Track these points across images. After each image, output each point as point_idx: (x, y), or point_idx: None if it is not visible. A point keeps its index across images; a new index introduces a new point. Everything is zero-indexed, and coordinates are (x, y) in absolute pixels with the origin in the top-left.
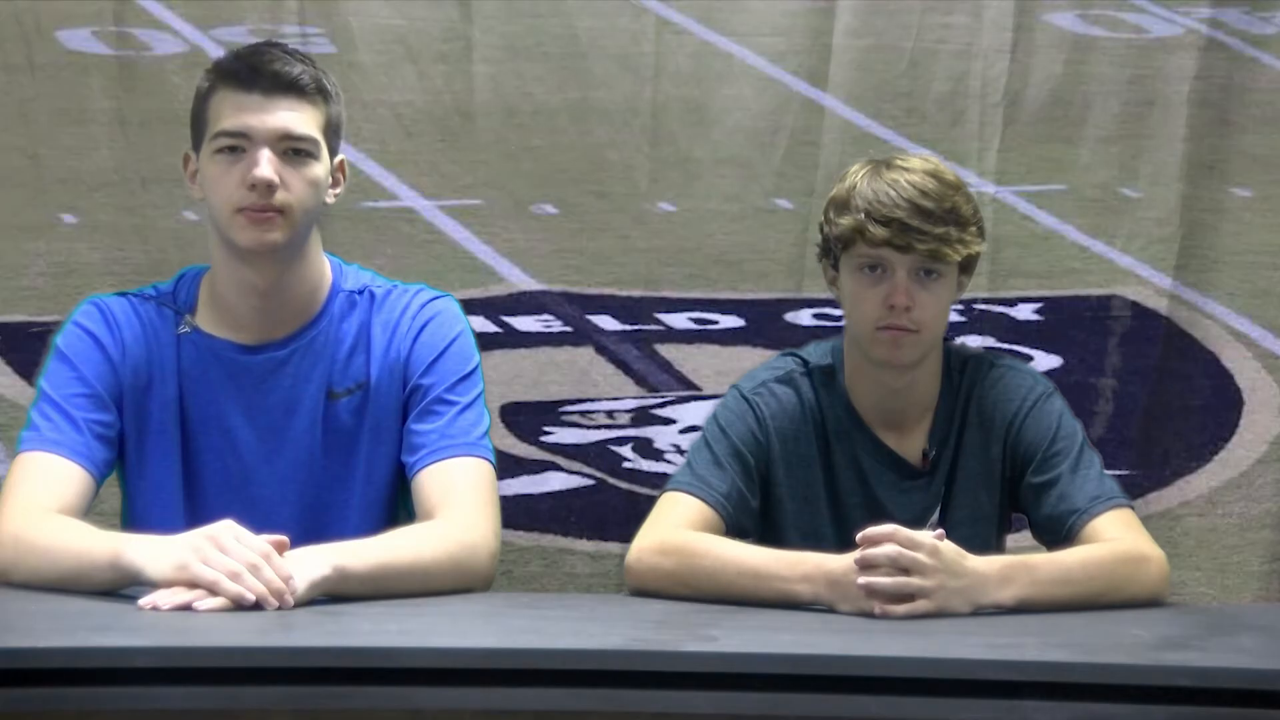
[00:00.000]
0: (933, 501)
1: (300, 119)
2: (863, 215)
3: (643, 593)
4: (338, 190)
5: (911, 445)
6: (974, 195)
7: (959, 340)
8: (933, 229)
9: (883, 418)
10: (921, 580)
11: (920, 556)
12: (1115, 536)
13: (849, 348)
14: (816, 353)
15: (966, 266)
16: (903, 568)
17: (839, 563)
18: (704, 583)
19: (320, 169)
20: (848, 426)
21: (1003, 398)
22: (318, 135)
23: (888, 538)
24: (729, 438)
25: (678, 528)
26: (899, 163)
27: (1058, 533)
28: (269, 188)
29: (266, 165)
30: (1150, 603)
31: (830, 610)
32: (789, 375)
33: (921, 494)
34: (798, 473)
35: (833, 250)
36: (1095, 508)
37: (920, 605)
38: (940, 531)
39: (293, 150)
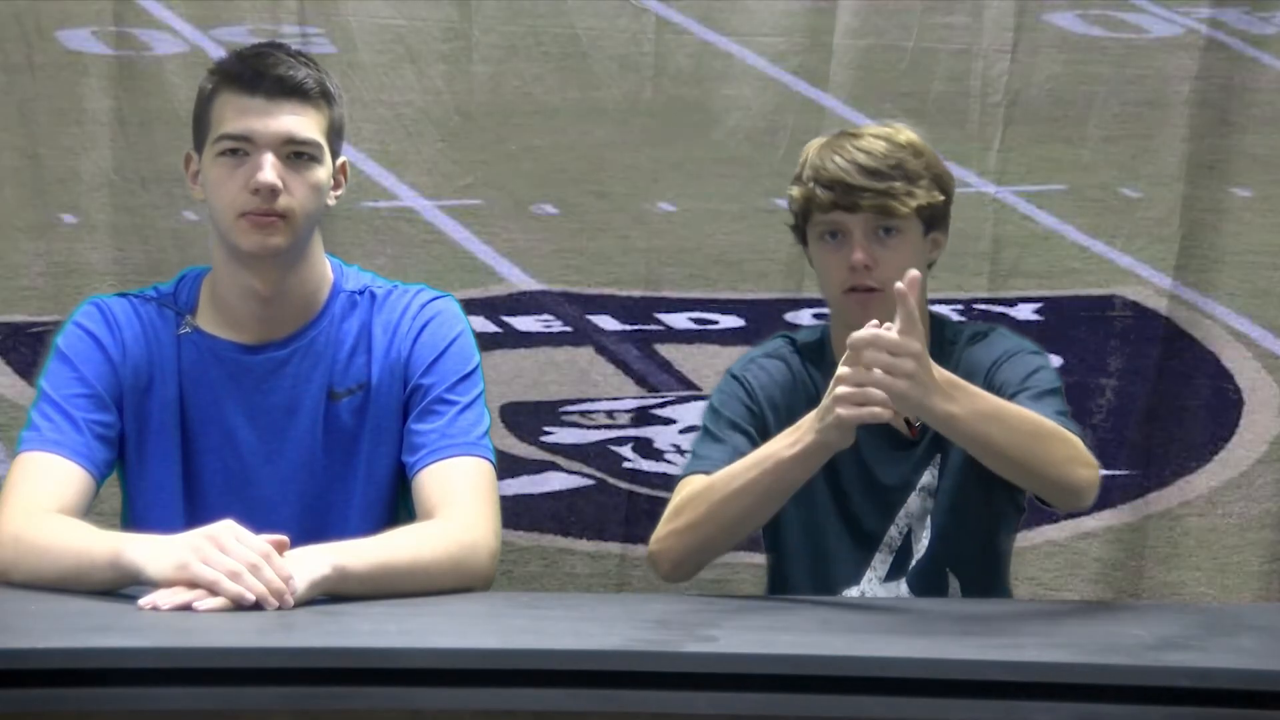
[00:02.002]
0: (924, 467)
1: (303, 123)
2: (811, 184)
3: (676, 574)
4: (339, 192)
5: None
6: (935, 155)
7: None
8: (876, 184)
9: None
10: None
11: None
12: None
13: (834, 321)
14: (806, 333)
15: (932, 221)
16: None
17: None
18: (720, 512)
19: (323, 172)
20: None
21: (987, 355)
22: (320, 139)
23: (869, 343)
24: (723, 415)
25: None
26: (851, 131)
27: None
28: (272, 192)
29: (270, 170)
30: (1058, 485)
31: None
32: (777, 351)
33: (913, 461)
34: None
35: (799, 227)
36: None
37: (899, 384)
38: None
39: (295, 154)
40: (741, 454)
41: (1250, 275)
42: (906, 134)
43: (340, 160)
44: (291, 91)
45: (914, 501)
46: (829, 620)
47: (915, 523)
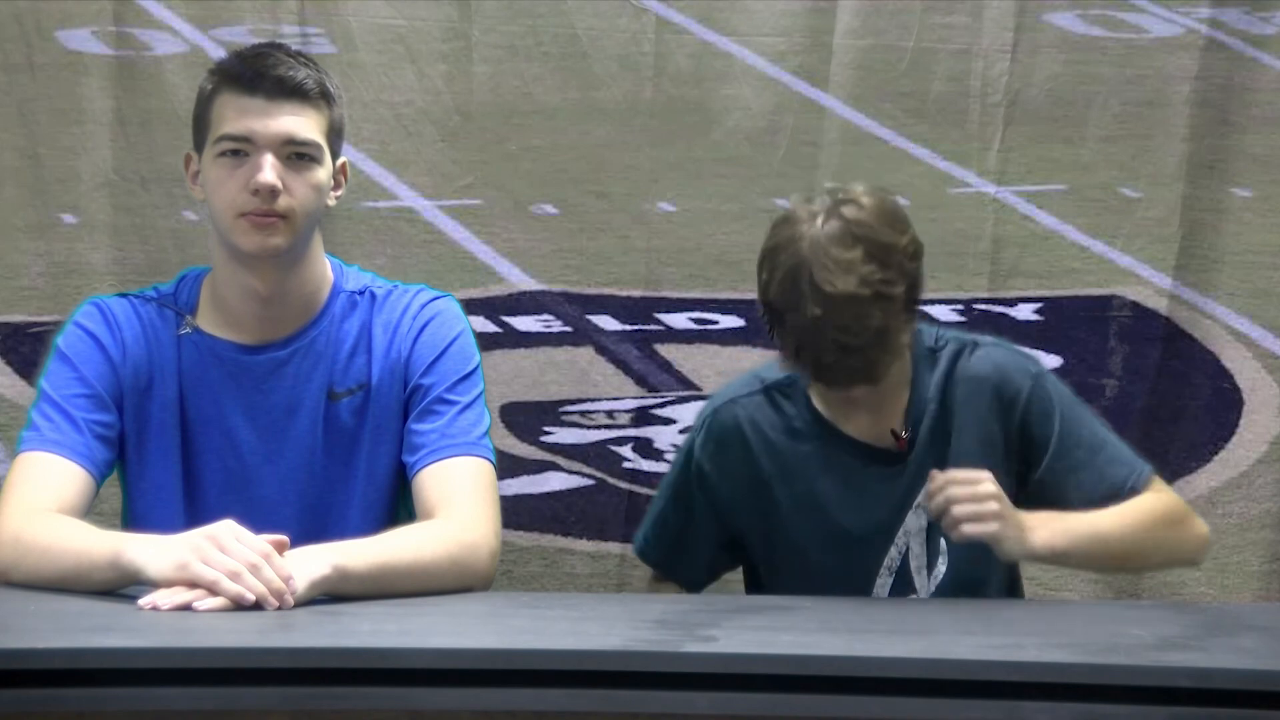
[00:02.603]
0: (919, 480)
1: (303, 123)
2: (786, 347)
3: None
4: (339, 192)
5: (877, 431)
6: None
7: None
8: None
9: (842, 413)
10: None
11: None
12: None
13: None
14: (774, 369)
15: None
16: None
17: None
18: None
19: (323, 173)
20: (817, 431)
21: (994, 377)
22: (320, 140)
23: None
24: (681, 492)
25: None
26: (818, 256)
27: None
28: (272, 193)
29: (270, 170)
30: (1186, 563)
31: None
32: (723, 409)
33: (907, 475)
34: (761, 495)
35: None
36: (1134, 481)
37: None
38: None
39: (296, 155)
40: (707, 559)
41: (1250, 275)
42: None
43: (340, 160)
44: (292, 92)
45: (911, 519)
46: (829, 620)
47: (913, 539)
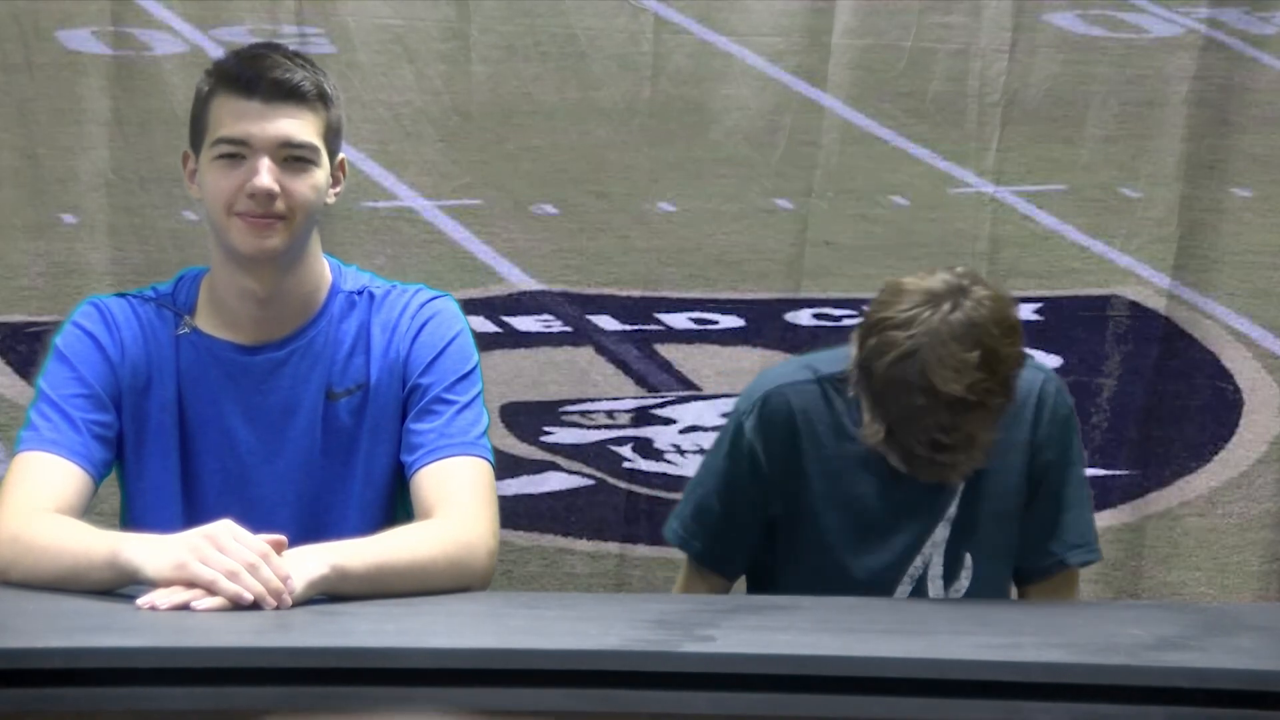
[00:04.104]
0: (949, 493)
1: (300, 126)
2: (886, 431)
3: None
4: (338, 190)
5: None
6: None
7: None
8: (940, 457)
9: None
10: None
11: None
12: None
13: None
14: (829, 361)
15: None
16: None
17: None
18: None
19: (320, 175)
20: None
21: (1032, 394)
22: (318, 142)
23: None
24: (726, 476)
25: (684, 581)
26: (949, 371)
27: (1032, 567)
28: (269, 197)
29: (266, 174)
30: None
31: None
32: (777, 391)
33: (938, 488)
34: (796, 485)
35: (856, 388)
36: (1071, 558)
37: None
38: None
39: (293, 158)
40: (745, 544)
41: (1250, 275)
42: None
43: (339, 158)
44: (288, 95)
45: (939, 530)
46: (828, 620)
47: (935, 551)
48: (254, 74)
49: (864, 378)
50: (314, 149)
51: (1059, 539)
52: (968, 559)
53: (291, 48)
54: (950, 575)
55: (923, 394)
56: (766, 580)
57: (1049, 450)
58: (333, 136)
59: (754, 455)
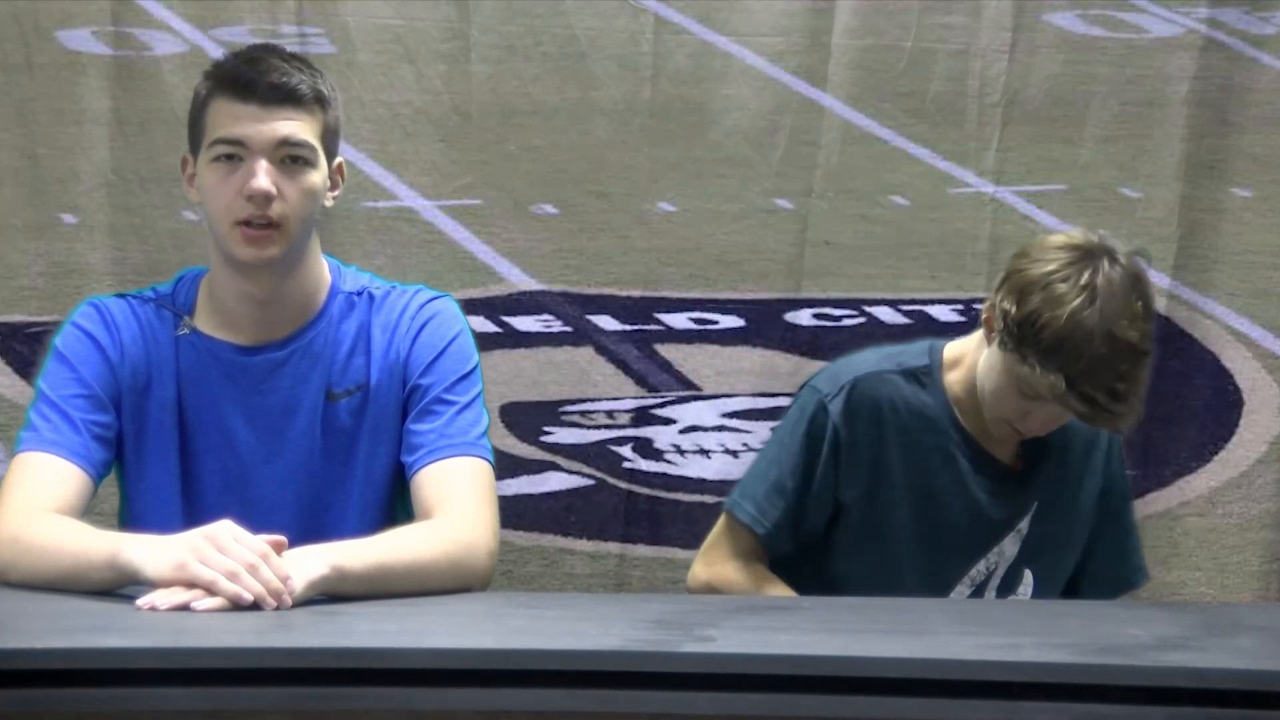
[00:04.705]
0: (1027, 509)
1: (298, 127)
2: (1065, 382)
3: None
4: (336, 193)
5: (1005, 448)
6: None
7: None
8: (1116, 408)
9: (981, 424)
10: None
11: None
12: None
13: (970, 370)
14: (913, 355)
15: None
16: None
17: None
18: None
19: (318, 176)
20: (946, 426)
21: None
22: (315, 143)
23: None
24: (804, 455)
25: (729, 563)
26: (1109, 310)
27: (1110, 588)
28: (266, 199)
29: (264, 176)
30: None
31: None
32: (867, 378)
33: (1019, 499)
34: (878, 474)
35: (1008, 343)
36: (1137, 579)
37: None
38: None
39: (290, 158)
40: (794, 517)
41: (1250, 275)
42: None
43: (337, 160)
44: (285, 97)
45: (1008, 542)
46: (828, 620)
47: (1002, 563)
48: (251, 76)
49: (1029, 333)
50: (311, 149)
51: (1128, 563)
52: (1028, 576)
53: (291, 48)
54: (1007, 589)
55: (1105, 342)
56: (811, 565)
57: (1119, 479)
58: (330, 138)
59: (837, 438)
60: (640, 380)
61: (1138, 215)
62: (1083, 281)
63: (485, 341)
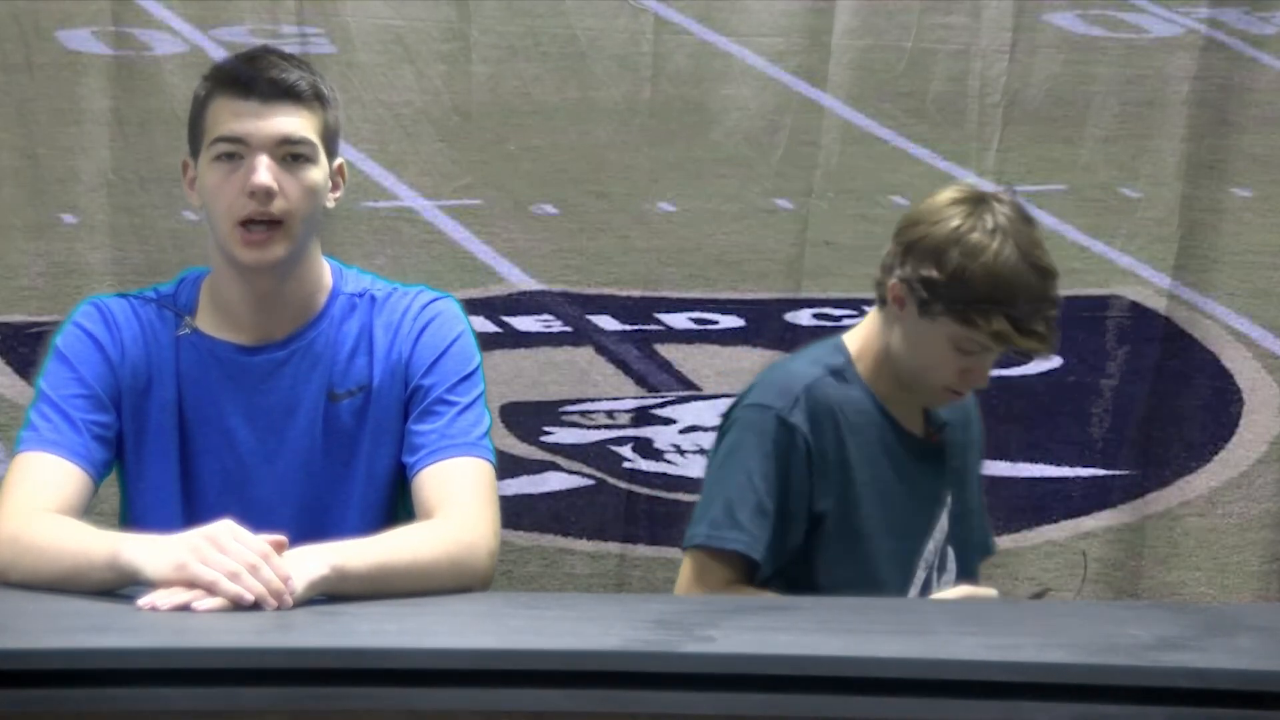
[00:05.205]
0: (946, 477)
1: (298, 124)
2: (1010, 323)
3: None
4: (337, 194)
5: (917, 425)
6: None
7: None
8: (1053, 335)
9: (899, 405)
10: None
11: None
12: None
13: (879, 352)
14: (828, 354)
15: None
16: None
17: None
18: None
19: (319, 173)
20: (876, 415)
21: (971, 407)
22: (315, 139)
23: None
24: (778, 473)
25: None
26: (1022, 245)
27: (979, 554)
28: (268, 195)
29: (265, 171)
30: None
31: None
32: (815, 384)
33: (941, 473)
34: (845, 476)
35: (936, 306)
36: (992, 548)
37: None
38: None
39: (291, 155)
40: (779, 536)
41: (1250, 275)
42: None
43: (338, 161)
44: (285, 93)
45: (944, 517)
46: (828, 620)
47: (942, 540)
48: (251, 74)
49: (960, 289)
50: (311, 145)
51: (988, 531)
52: (950, 555)
53: (291, 48)
54: (942, 570)
55: (1032, 272)
56: (786, 580)
57: (981, 450)
58: (330, 137)
59: (808, 449)
60: (640, 380)
61: (1138, 215)
62: (989, 226)
63: (485, 341)
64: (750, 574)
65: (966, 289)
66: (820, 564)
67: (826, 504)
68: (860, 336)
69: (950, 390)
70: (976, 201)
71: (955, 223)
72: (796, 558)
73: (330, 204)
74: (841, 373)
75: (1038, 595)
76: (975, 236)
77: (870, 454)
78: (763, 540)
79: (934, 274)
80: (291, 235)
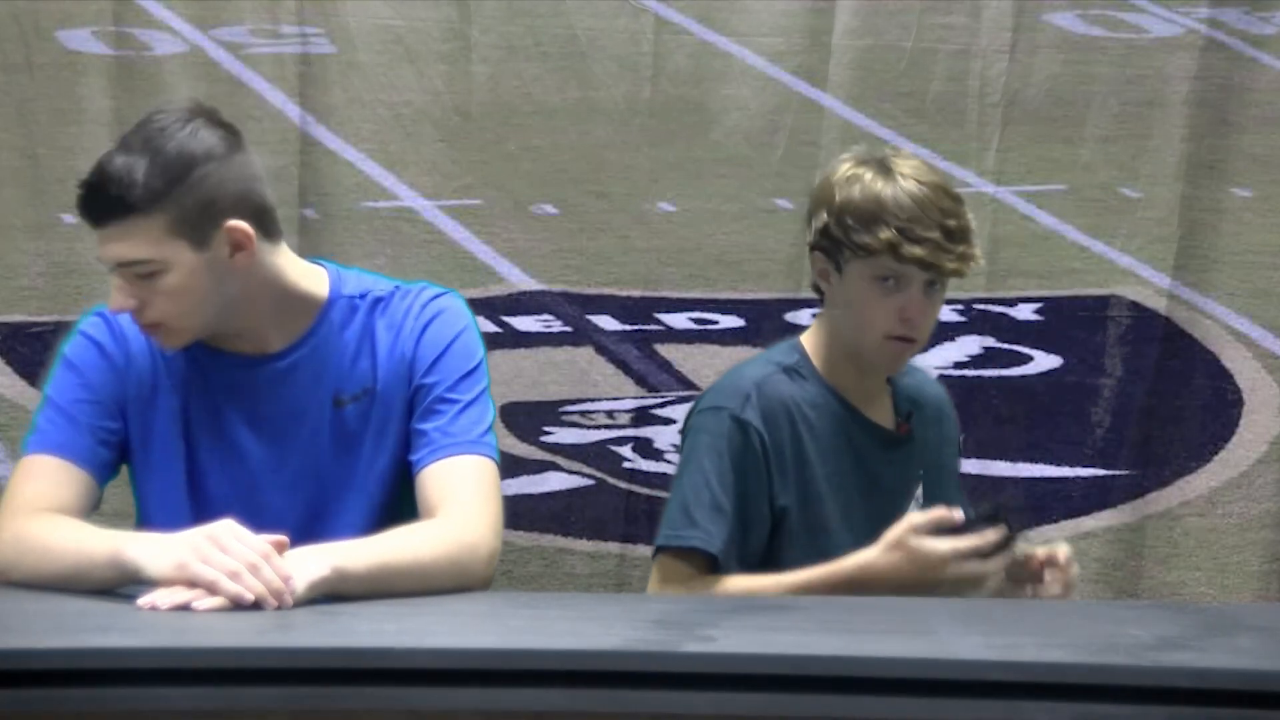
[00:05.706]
0: (916, 470)
1: (127, 247)
2: (897, 233)
3: None
4: (244, 253)
5: (885, 417)
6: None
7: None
8: (957, 248)
9: (861, 396)
10: None
11: None
12: None
13: (830, 340)
14: (783, 354)
15: None
16: None
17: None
18: None
19: (174, 278)
20: (836, 408)
21: (945, 405)
22: (152, 252)
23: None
24: (734, 472)
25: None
26: (905, 171)
27: None
28: (131, 315)
29: (117, 295)
30: None
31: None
32: (765, 381)
33: (910, 463)
34: (804, 471)
35: (842, 252)
36: None
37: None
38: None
39: (137, 275)
40: (738, 531)
41: (1250, 275)
42: (940, 174)
43: (225, 225)
44: (108, 215)
45: (912, 509)
46: (828, 620)
47: None
48: (82, 202)
49: (849, 219)
50: (146, 263)
51: None
52: None
53: (291, 48)
54: None
55: (916, 185)
56: (754, 572)
57: (957, 446)
58: (187, 224)
59: (764, 445)
60: (640, 380)
61: (1138, 215)
62: (863, 160)
63: (486, 341)
64: (711, 571)
65: (854, 214)
66: (785, 559)
67: (787, 499)
68: (813, 334)
69: (894, 338)
70: (869, 154)
71: (843, 168)
72: (764, 558)
73: (240, 267)
74: (795, 369)
75: (991, 516)
76: (858, 170)
77: (830, 447)
78: (720, 536)
79: (828, 217)
80: (176, 330)
